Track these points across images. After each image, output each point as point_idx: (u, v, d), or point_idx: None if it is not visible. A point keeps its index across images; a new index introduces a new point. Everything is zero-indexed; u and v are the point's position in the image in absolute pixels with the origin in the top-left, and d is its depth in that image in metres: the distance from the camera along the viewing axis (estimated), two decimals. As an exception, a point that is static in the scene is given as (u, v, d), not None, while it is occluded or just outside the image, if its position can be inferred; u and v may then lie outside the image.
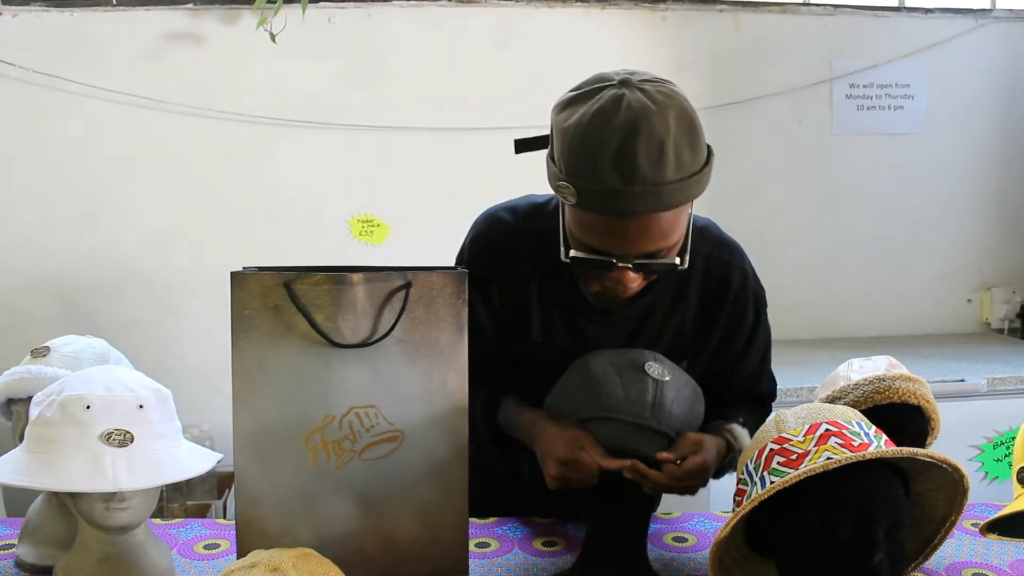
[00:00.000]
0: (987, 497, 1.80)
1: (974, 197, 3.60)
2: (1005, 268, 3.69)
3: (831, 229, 3.53)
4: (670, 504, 1.66)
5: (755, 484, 1.08)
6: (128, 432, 1.19)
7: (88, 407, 1.16)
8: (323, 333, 1.23)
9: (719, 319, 1.52)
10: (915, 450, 1.06)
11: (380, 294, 1.25)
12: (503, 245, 1.50)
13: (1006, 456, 2.73)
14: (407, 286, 1.25)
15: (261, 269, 1.30)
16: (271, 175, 3.20)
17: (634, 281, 1.31)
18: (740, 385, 1.56)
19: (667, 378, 1.34)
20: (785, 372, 2.90)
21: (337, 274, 1.25)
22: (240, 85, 3.13)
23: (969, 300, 3.70)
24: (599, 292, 1.38)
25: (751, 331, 1.55)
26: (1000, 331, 3.65)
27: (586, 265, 1.31)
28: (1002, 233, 3.66)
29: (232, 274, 1.25)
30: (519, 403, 1.49)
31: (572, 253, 1.30)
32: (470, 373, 1.30)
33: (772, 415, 1.16)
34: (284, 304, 1.24)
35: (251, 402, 1.26)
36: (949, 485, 1.14)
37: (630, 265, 1.27)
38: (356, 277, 1.25)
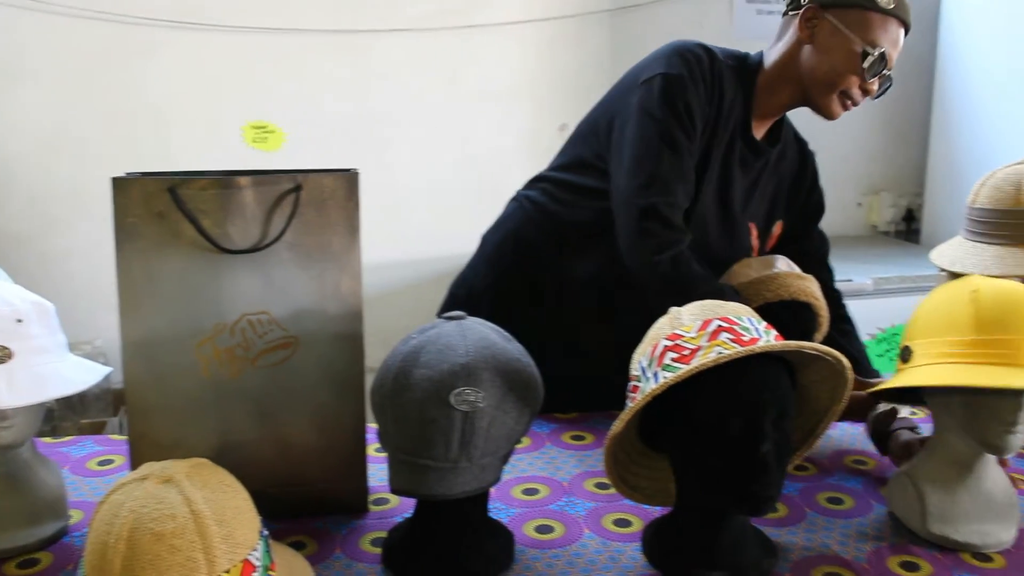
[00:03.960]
0: (870, 390, 1.89)
1: (864, 104, 3.67)
2: (892, 173, 3.81)
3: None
4: (570, 406, 1.70)
5: (648, 380, 1.10)
6: (6, 348, 1.14)
7: (-39, 322, 1.11)
8: (211, 239, 1.19)
9: (804, 183, 1.79)
10: (801, 343, 1.09)
11: (269, 198, 1.21)
12: (707, 72, 1.60)
13: (887, 352, 2.86)
14: (297, 189, 1.22)
15: (144, 175, 1.25)
16: (159, 80, 3.06)
17: (872, 94, 1.60)
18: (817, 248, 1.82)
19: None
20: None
21: (224, 178, 1.21)
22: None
23: (859, 204, 3.82)
24: (833, 106, 1.60)
25: (820, 204, 1.83)
26: (887, 233, 3.79)
27: (881, 61, 1.53)
28: (890, 139, 3.76)
29: (113, 180, 1.20)
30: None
31: (879, 48, 1.53)
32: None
33: (667, 313, 1.18)
34: (169, 210, 1.19)
35: (138, 313, 1.22)
36: (833, 376, 1.18)
37: (890, 72, 1.56)
38: (244, 181, 1.21)
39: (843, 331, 1.68)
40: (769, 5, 3.47)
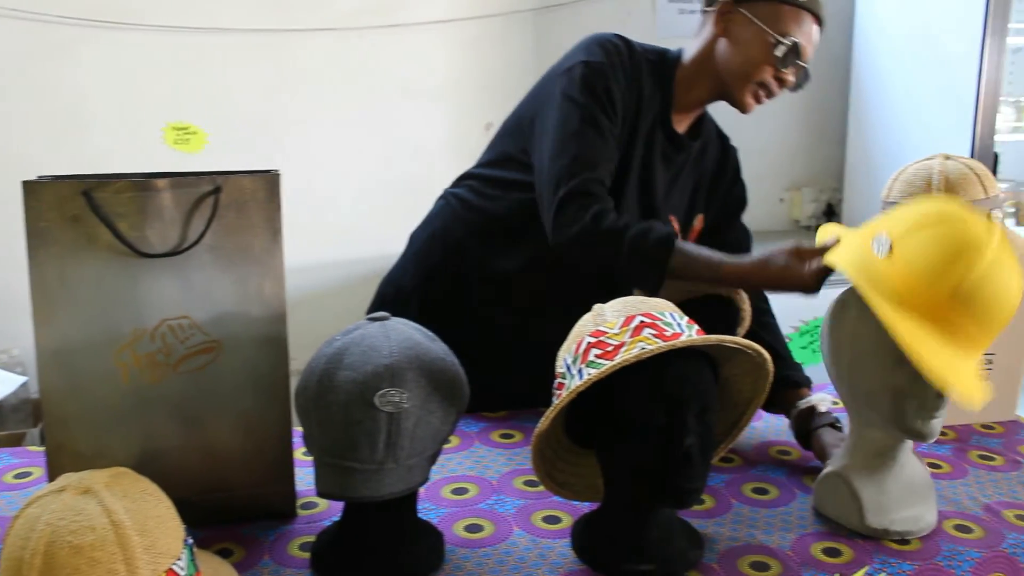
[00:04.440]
0: (793, 381, 1.93)
1: (785, 100, 3.73)
2: (813, 169, 3.90)
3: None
4: (498, 404, 1.70)
5: (573, 377, 1.11)
6: (-86, 357, 1.10)
7: None
8: (128, 243, 1.17)
9: (725, 177, 1.83)
10: (722, 337, 1.11)
11: (188, 200, 1.19)
12: (627, 62, 1.64)
13: (811, 343, 2.92)
14: (216, 191, 1.20)
15: (57, 178, 1.21)
16: (76, 80, 2.98)
17: (788, 85, 1.64)
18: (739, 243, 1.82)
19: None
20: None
21: (141, 180, 1.19)
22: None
23: (781, 199, 3.90)
24: (746, 97, 1.64)
25: (742, 198, 1.86)
26: (808, 228, 3.88)
27: (793, 51, 1.57)
28: (811, 135, 3.85)
29: (24, 183, 1.17)
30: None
31: (791, 38, 1.57)
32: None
33: (591, 310, 1.19)
34: (84, 214, 1.16)
35: (53, 320, 1.19)
36: (754, 369, 1.20)
37: (807, 65, 1.61)
38: (161, 183, 1.19)
39: (764, 324, 1.71)
40: (691, 4, 3.53)
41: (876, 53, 3.48)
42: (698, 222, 1.77)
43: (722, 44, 1.63)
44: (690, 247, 1.48)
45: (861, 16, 3.54)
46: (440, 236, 1.78)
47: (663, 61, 1.69)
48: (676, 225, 1.72)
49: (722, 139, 1.83)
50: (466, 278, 1.74)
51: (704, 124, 1.76)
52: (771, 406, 1.55)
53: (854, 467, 1.29)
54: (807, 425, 1.52)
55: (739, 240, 1.82)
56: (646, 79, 1.65)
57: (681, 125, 1.71)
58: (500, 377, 1.60)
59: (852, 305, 1.26)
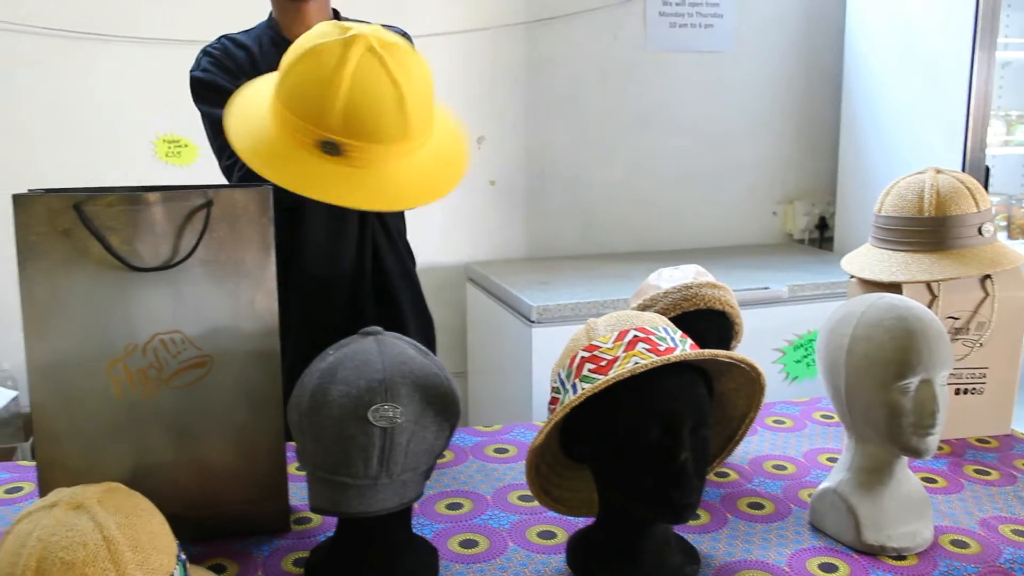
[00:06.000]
0: (789, 395, 1.93)
1: (778, 114, 3.77)
2: (806, 182, 3.91)
3: (644, 145, 3.62)
4: (495, 417, 1.70)
5: (567, 392, 1.10)
6: (-97, 372, 1.09)
7: None
8: (119, 256, 1.16)
9: None
10: (716, 352, 1.11)
11: (180, 214, 1.19)
12: (233, 48, 1.82)
13: (805, 357, 2.92)
14: (208, 205, 1.19)
15: (48, 191, 1.21)
16: (65, 92, 2.97)
17: None
18: None
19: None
20: (601, 285, 3.00)
21: (132, 194, 1.18)
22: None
23: (774, 213, 3.90)
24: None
25: None
26: (801, 241, 3.88)
27: None
28: (804, 148, 3.86)
29: (14, 197, 1.16)
30: None
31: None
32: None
33: (584, 324, 1.18)
34: (75, 228, 1.16)
35: (44, 334, 1.18)
36: (749, 384, 1.20)
37: None
38: (153, 197, 1.18)
39: None
40: (682, 19, 3.54)
41: (867, 67, 3.50)
42: None
43: None
44: None
45: (852, 30, 3.56)
46: None
47: (265, 26, 1.87)
48: None
49: None
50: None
51: None
52: None
53: (851, 483, 1.29)
54: None
55: None
56: (253, 45, 1.82)
57: None
58: None
59: (849, 320, 1.25)
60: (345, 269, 1.86)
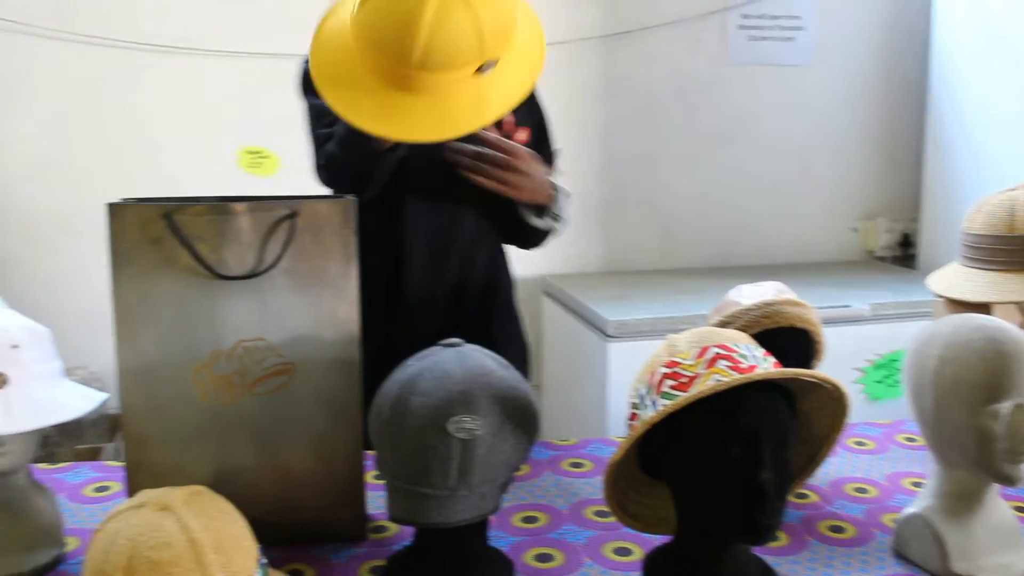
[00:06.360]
0: (869, 416, 1.89)
1: (859, 128, 3.70)
2: (888, 198, 3.82)
3: (723, 160, 3.58)
4: (569, 431, 1.69)
5: (647, 408, 1.09)
6: (2, 374, 1.14)
7: (-42, 349, 1.11)
8: (207, 265, 1.19)
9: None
10: (799, 371, 1.09)
11: (265, 224, 1.21)
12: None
13: (886, 377, 2.85)
14: (293, 215, 1.21)
15: (139, 200, 1.25)
16: (151, 104, 3.07)
17: None
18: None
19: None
20: (680, 300, 2.98)
21: (220, 204, 1.21)
22: (111, 5, 2.97)
23: (854, 229, 3.82)
24: None
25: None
26: (883, 259, 3.79)
27: None
28: (885, 164, 3.78)
29: (109, 206, 1.20)
30: None
31: None
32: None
33: (663, 340, 1.17)
34: (165, 236, 1.19)
35: (134, 339, 1.21)
36: (832, 404, 1.17)
37: None
38: (240, 207, 1.21)
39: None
40: (762, 32, 3.50)
41: (956, 76, 3.40)
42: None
43: None
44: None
45: (938, 38, 3.46)
46: None
47: None
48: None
49: None
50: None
51: None
52: None
53: (938, 509, 1.25)
54: None
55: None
56: None
57: None
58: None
59: (937, 340, 1.22)
60: (448, 284, 1.79)
